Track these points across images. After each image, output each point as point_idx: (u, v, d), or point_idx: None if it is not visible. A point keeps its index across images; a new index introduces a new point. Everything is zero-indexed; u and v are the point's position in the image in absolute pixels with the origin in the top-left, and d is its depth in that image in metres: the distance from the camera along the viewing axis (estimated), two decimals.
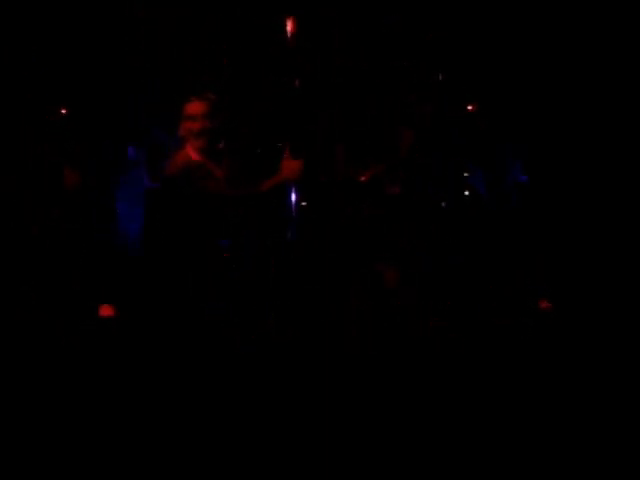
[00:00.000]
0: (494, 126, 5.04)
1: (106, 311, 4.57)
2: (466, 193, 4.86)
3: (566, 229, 4.94)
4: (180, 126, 4.43)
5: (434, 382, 4.14)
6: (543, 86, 5.02)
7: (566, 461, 3.51)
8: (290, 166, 4.41)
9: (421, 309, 4.56)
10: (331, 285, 4.45)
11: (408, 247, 4.63)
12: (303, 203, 4.65)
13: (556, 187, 4.98)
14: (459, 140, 4.96)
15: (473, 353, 4.42)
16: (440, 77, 5.01)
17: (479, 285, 4.77)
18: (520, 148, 5.06)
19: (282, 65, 4.77)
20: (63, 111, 4.77)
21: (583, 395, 4.01)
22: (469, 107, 5.01)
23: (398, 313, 4.49)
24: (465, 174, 4.90)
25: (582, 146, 4.98)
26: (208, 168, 4.36)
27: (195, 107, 4.40)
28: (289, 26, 4.72)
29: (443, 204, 4.78)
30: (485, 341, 4.52)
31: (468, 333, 4.56)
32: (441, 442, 3.67)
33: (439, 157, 4.88)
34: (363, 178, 4.74)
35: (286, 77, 4.74)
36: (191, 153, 4.36)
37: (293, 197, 4.51)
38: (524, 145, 5.05)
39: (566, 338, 4.55)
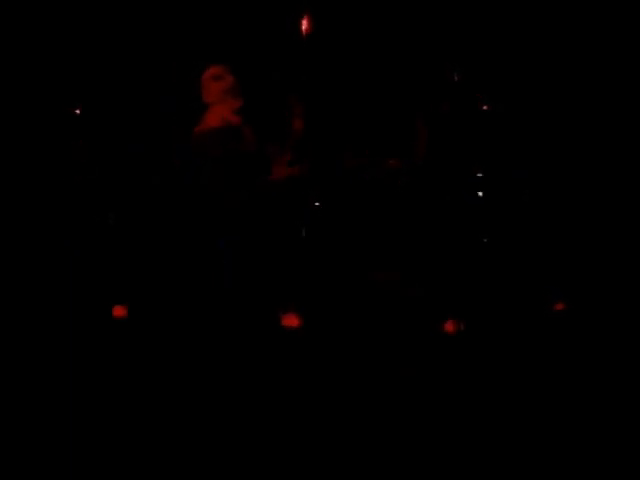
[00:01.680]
0: (506, 125, 5.01)
1: (119, 312, 4.60)
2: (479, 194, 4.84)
3: (581, 231, 4.91)
4: (204, 93, 4.30)
5: (444, 383, 4.13)
6: (553, 85, 5.00)
7: (575, 461, 3.49)
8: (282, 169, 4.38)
9: (430, 310, 4.55)
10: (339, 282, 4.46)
11: (417, 245, 4.63)
12: (316, 203, 4.66)
13: (570, 189, 4.96)
14: (473, 138, 4.93)
15: (485, 355, 4.40)
16: (455, 76, 4.98)
17: (493, 287, 4.75)
18: (532, 147, 5.03)
19: (296, 61, 4.75)
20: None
21: (595, 396, 3.99)
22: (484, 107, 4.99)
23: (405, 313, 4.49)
24: (478, 174, 4.87)
25: (598, 147, 4.95)
26: (242, 129, 4.26)
27: (217, 69, 4.30)
28: (304, 24, 4.71)
29: (453, 201, 4.75)
30: (498, 343, 4.50)
31: (481, 335, 4.54)
32: (450, 443, 3.66)
33: (453, 155, 4.86)
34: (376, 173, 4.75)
35: (299, 73, 4.72)
36: (225, 114, 4.24)
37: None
38: (536, 144, 5.02)
39: (580, 340, 4.53)
